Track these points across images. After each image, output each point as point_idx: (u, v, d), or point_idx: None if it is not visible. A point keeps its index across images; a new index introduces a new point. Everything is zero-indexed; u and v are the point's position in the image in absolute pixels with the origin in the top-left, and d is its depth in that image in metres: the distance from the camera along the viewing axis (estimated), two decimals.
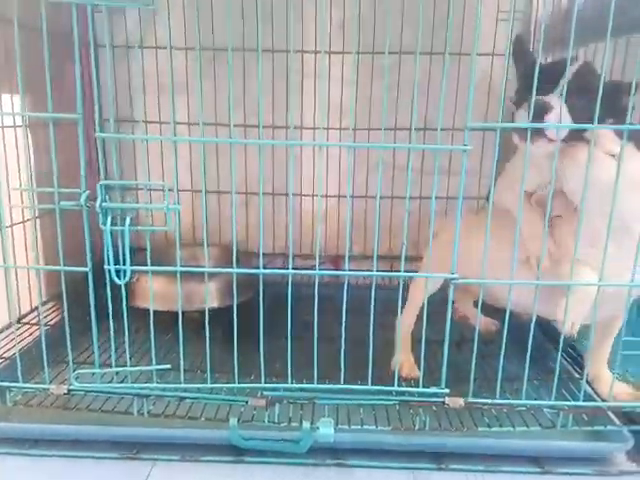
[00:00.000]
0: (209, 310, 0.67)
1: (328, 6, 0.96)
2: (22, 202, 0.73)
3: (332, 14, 1.13)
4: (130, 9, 1.11)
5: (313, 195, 1.24)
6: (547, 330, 0.95)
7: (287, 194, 1.19)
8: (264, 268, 0.67)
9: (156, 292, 0.98)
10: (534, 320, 0.66)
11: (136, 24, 1.14)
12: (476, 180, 1.15)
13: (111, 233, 0.61)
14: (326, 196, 1.22)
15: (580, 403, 0.69)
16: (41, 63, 0.62)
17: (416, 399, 0.68)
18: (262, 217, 0.64)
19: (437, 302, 0.73)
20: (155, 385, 0.67)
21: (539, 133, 0.63)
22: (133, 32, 1.16)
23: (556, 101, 0.63)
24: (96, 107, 0.62)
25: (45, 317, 0.94)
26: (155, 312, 0.67)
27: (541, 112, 0.61)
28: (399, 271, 0.66)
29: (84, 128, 0.61)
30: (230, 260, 0.67)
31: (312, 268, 0.68)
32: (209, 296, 1.00)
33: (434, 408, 0.70)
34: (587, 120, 0.60)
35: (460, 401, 0.67)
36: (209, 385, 0.68)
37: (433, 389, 0.67)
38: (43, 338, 0.67)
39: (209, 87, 1.07)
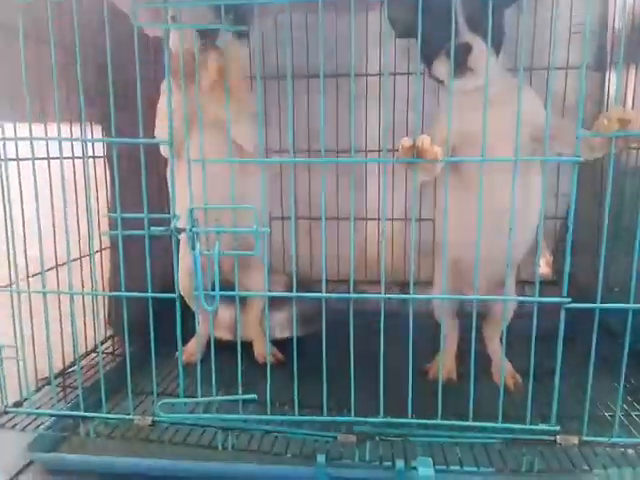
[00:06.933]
0: (281, 340, 0.63)
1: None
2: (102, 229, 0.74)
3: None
4: None
5: (378, 219, 1.21)
6: None
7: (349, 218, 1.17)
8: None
9: (227, 322, 0.97)
10: None
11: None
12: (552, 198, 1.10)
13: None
14: (392, 219, 1.19)
15: None
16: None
17: (524, 437, 0.62)
18: (324, 237, 0.63)
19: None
20: (240, 416, 0.64)
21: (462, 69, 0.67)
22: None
23: (473, 39, 0.67)
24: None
25: (113, 349, 0.94)
26: (224, 342, 0.64)
27: (464, 54, 0.66)
28: None
29: (146, 158, 0.62)
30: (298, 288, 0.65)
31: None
32: (280, 326, 0.97)
33: (539, 447, 0.63)
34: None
35: (574, 439, 0.60)
36: (295, 417, 0.64)
37: (542, 426, 0.61)
38: (129, 368, 0.65)
39: (275, 114, 1.10)
